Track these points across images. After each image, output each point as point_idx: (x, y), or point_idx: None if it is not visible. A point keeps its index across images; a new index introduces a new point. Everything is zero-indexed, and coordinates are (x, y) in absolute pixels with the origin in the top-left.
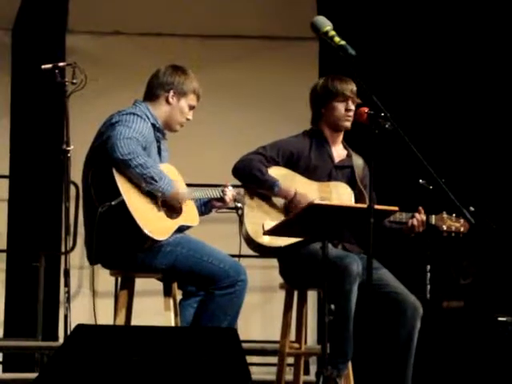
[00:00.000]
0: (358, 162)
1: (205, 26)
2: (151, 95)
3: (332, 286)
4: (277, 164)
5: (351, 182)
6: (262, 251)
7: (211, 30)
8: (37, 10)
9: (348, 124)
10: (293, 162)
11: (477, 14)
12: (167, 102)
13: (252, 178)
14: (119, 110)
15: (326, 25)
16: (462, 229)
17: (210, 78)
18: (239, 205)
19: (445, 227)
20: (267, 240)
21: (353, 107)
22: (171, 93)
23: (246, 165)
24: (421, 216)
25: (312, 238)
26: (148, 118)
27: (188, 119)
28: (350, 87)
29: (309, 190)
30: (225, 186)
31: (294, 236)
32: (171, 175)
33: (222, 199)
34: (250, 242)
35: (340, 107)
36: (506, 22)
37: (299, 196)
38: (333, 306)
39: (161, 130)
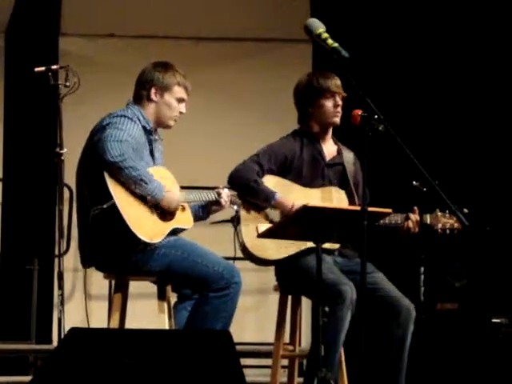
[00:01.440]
0: (348, 157)
1: (198, 28)
2: (137, 97)
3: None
4: (271, 170)
5: (343, 180)
6: (258, 262)
7: (205, 32)
8: (30, 12)
9: (337, 120)
10: (286, 166)
11: (471, 16)
12: (151, 99)
13: (248, 188)
14: (110, 113)
15: (319, 27)
16: (456, 225)
17: (203, 79)
18: (235, 207)
19: (440, 225)
20: (265, 253)
21: (340, 102)
22: (153, 90)
23: (241, 175)
24: (415, 216)
25: (306, 240)
26: (139, 121)
27: (181, 113)
28: (335, 82)
29: (308, 198)
30: (219, 188)
31: (288, 238)
32: (165, 178)
33: (217, 202)
34: (247, 253)
35: (328, 104)
36: (503, 22)
37: (298, 207)
38: (327, 308)
39: (152, 133)
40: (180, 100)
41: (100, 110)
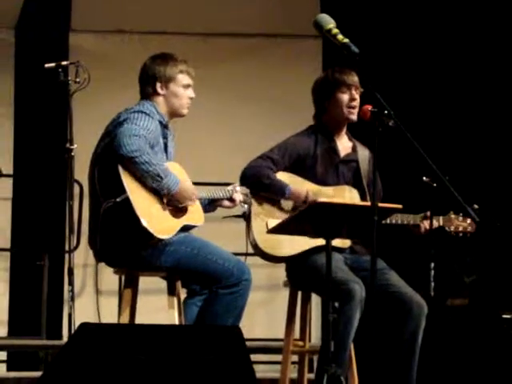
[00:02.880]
0: (363, 154)
1: (208, 24)
2: (144, 94)
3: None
4: (284, 166)
5: (356, 177)
6: (269, 259)
7: (214, 27)
8: (40, 8)
9: (354, 117)
10: (300, 162)
11: (479, 10)
12: (158, 93)
13: (262, 185)
14: (126, 108)
15: (329, 23)
16: (469, 228)
17: (213, 75)
18: (246, 206)
19: (453, 228)
20: (276, 250)
21: (357, 96)
22: (158, 84)
23: (254, 172)
24: (427, 222)
25: (316, 236)
26: (155, 115)
27: (191, 98)
28: (351, 76)
29: (321, 196)
30: (233, 186)
31: (298, 234)
32: (178, 173)
33: (231, 198)
34: (258, 250)
35: (344, 97)
36: (506, 21)
37: (312, 194)
38: (336, 304)
39: (167, 127)
40: (186, 86)
41: (110, 105)
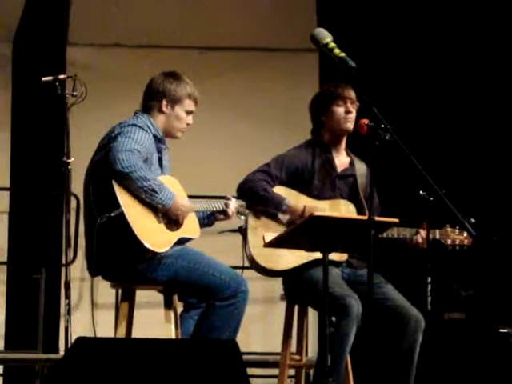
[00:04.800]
0: (360, 169)
1: (205, 38)
2: (146, 106)
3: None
4: (281, 180)
5: (354, 192)
6: (266, 273)
7: (211, 41)
8: (37, 22)
9: (350, 126)
10: (297, 176)
11: (476, 29)
12: (162, 111)
13: (259, 198)
14: (120, 122)
15: (326, 37)
16: (465, 241)
17: (209, 89)
18: (242, 217)
19: (449, 241)
20: (272, 264)
21: (352, 109)
22: (164, 102)
23: (251, 186)
24: (424, 232)
25: (313, 250)
26: (149, 129)
27: (188, 124)
28: (347, 90)
29: (317, 210)
30: (227, 198)
31: (295, 248)
32: (173, 187)
33: (224, 212)
34: (254, 264)
35: (339, 110)
36: (505, 29)
37: (309, 210)
38: (333, 318)
39: (162, 141)
40: (189, 112)
41: (107, 119)
